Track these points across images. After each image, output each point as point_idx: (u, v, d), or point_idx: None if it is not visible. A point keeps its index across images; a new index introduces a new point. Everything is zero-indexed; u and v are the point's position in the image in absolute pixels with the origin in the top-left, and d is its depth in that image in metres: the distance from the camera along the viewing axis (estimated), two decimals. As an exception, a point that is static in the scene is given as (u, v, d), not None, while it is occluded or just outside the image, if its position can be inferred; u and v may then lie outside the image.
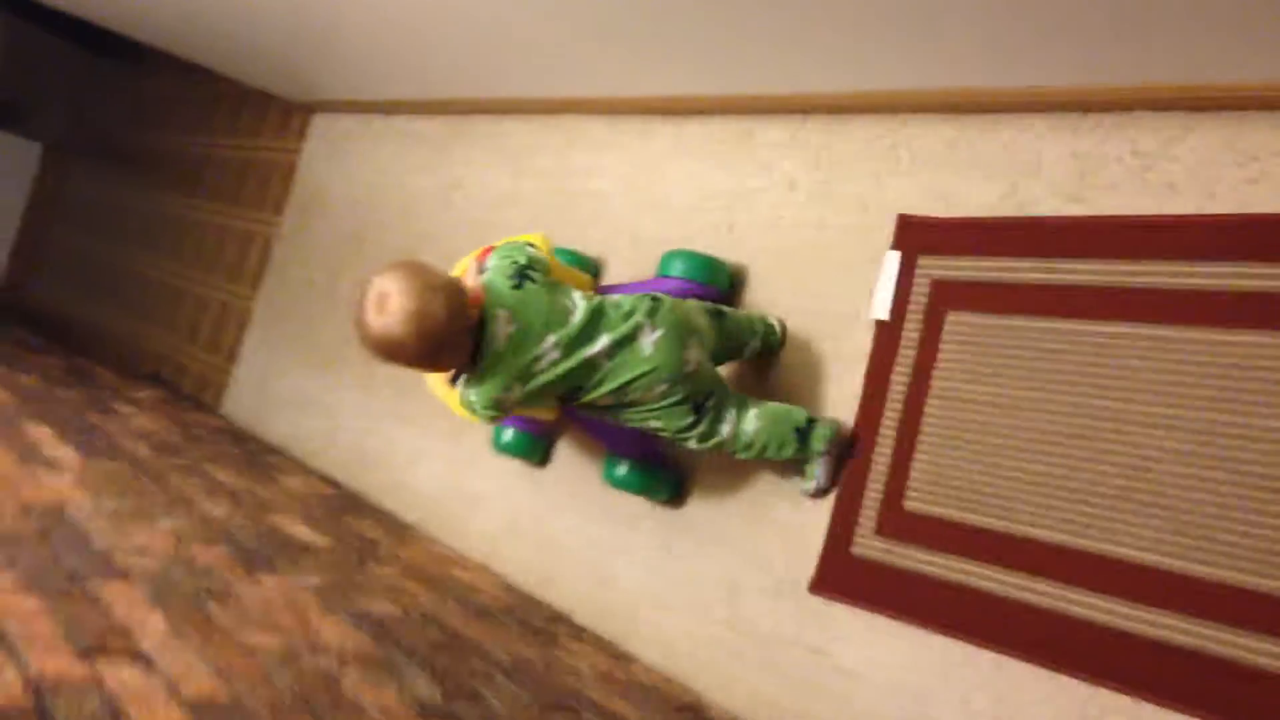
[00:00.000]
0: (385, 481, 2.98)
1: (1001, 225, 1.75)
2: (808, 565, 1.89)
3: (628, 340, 1.74)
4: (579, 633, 2.20)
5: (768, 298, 2.10)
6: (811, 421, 1.86)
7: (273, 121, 4.29)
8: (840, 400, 1.92)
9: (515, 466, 2.57)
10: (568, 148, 2.73)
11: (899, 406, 1.83)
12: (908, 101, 1.94)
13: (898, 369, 1.85)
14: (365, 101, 3.55)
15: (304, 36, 3.05)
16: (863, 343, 1.92)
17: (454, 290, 1.64)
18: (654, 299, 1.80)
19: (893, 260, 1.89)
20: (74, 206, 6.22)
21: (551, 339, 1.70)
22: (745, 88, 2.18)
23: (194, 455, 2.88)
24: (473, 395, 1.71)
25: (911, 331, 1.84)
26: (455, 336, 1.64)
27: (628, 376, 1.74)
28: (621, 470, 2.12)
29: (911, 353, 1.84)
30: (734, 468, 2.06)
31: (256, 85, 4.11)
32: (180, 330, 4.47)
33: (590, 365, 1.73)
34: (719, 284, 2.12)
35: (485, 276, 1.74)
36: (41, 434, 2.58)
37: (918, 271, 1.86)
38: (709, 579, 2.04)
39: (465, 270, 1.83)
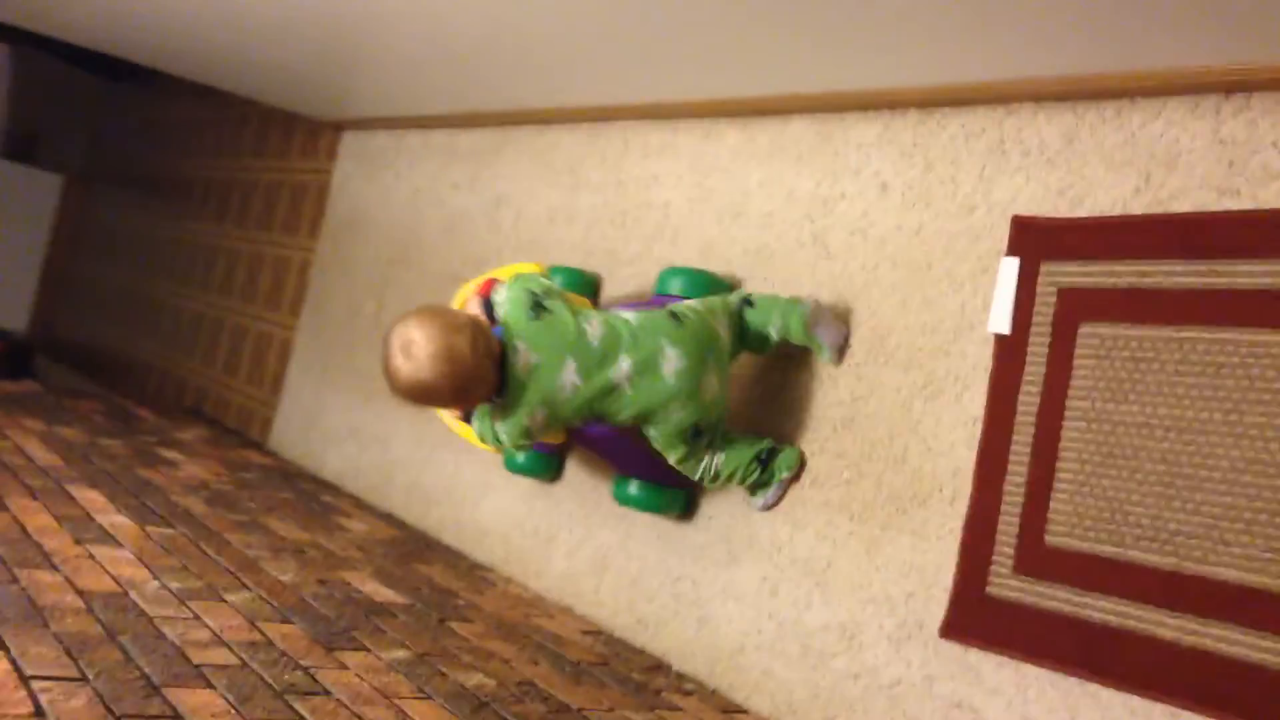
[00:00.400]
0: (449, 518, 2.83)
1: (1140, 224, 1.58)
2: (935, 607, 1.72)
3: (649, 364, 1.80)
4: (681, 683, 2.04)
5: (864, 310, 1.94)
6: (773, 450, 1.96)
7: (300, 142, 4.14)
8: (958, 424, 1.75)
9: (589, 498, 2.42)
10: (622, 156, 2.56)
11: (1030, 430, 1.66)
12: (1012, 91, 1.76)
13: (1025, 388, 1.68)
14: (398, 117, 3.40)
15: (331, 55, 2.89)
16: (979, 359, 1.75)
17: (476, 327, 1.73)
18: (675, 317, 1.84)
19: (1010, 267, 1.72)
20: (98, 237, 6.10)
21: (572, 364, 1.76)
22: (823, 86, 2.01)
23: (251, 508, 2.74)
24: (500, 427, 1.78)
25: (1038, 346, 1.67)
26: (482, 372, 1.72)
27: (647, 403, 1.81)
28: (632, 489, 2.16)
29: (1040, 370, 1.67)
30: (843, 501, 1.90)
31: (281, 106, 3.97)
32: (218, 362, 4.34)
33: (612, 389, 1.79)
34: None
35: (501, 311, 1.81)
36: (93, 500, 2.44)
37: (1041, 279, 1.69)
38: (822, 621, 1.88)
39: (465, 301, 1.95)
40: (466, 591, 2.38)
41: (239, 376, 4.16)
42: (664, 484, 2.13)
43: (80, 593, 1.80)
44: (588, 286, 2.58)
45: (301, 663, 1.68)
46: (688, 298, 2.05)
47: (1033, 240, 1.70)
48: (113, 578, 1.92)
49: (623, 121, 2.58)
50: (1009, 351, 1.71)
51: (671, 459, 1.92)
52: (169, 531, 2.33)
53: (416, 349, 1.69)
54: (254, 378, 4.05)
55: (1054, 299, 1.67)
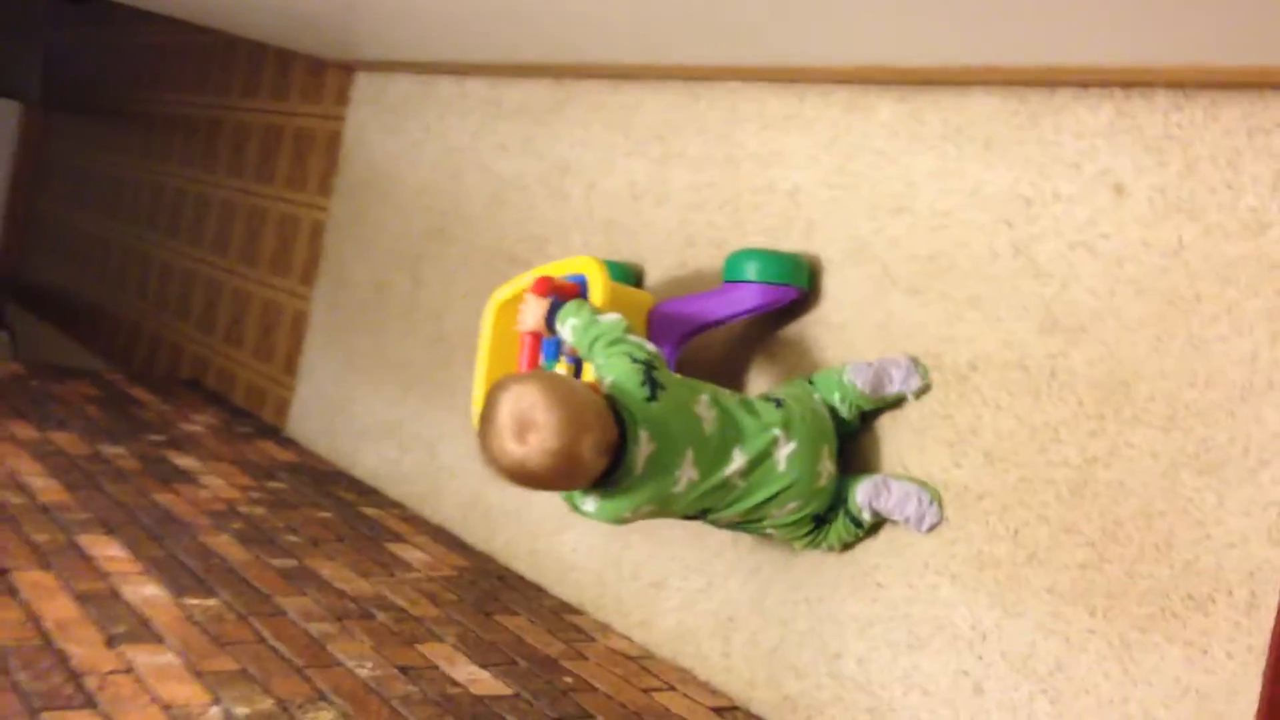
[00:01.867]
0: (523, 546, 2.44)
1: None
2: (1225, 740, 1.36)
3: (764, 457, 1.63)
4: (856, 791, 1.69)
5: (1095, 347, 1.54)
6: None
7: (300, 80, 3.65)
8: (1253, 509, 1.37)
9: (706, 542, 2.04)
10: (730, 126, 2.13)
11: (1364, 527, 1.28)
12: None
13: (1357, 472, 1.29)
14: (425, 62, 2.92)
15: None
16: (1278, 430, 1.36)
17: (604, 425, 1.49)
18: (780, 405, 1.68)
19: (1329, 312, 1.32)
20: (67, 175, 5.57)
21: (690, 455, 1.57)
22: (1023, 57, 1.58)
23: (293, 543, 2.34)
24: (594, 508, 1.58)
25: (1376, 419, 1.29)
26: (595, 471, 1.51)
27: (762, 496, 1.65)
28: None
29: (1377, 449, 1.28)
30: (1077, 590, 1.52)
31: (274, 43, 3.47)
32: (217, 330, 3.90)
33: (727, 485, 1.62)
34: (800, 283, 1.89)
35: (609, 382, 1.58)
36: (115, 560, 2.04)
37: (1380, 332, 1.29)
38: (1053, 737, 1.52)
39: (521, 299, 1.83)
40: (567, 658, 2.00)
41: (244, 349, 3.72)
42: None
43: (130, 745, 1.41)
44: (632, 280, 2.21)
45: None
46: (766, 282, 1.86)
47: (1368, 280, 1.30)
48: (164, 708, 1.53)
49: (727, 82, 2.14)
50: (1329, 422, 1.32)
51: (797, 546, 1.80)
52: (211, 604, 1.93)
53: (534, 438, 1.45)
54: (262, 352, 3.62)
55: (1400, 359, 1.28)
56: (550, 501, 2.35)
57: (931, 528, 1.69)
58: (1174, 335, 1.47)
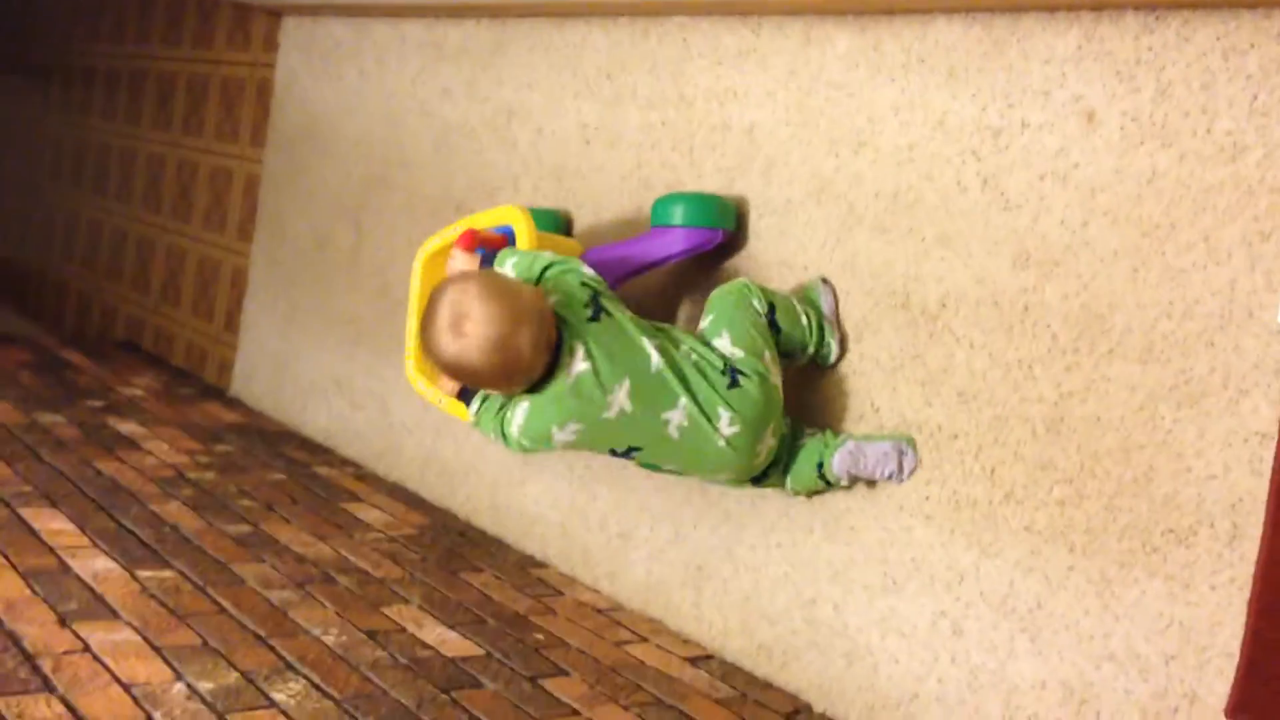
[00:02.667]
0: (483, 500, 2.40)
1: None
2: (1212, 676, 1.36)
3: (704, 417, 1.59)
4: (836, 735, 1.68)
5: (1069, 281, 1.51)
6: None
7: (224, 27, 3.51)
8: (1233, 440, 1.36)
9: (674, 490, 2.00)
10: (682, 63, 2.06)
11: (1346, 454, 1.27)
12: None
13: (1339, 399, 1.28)
14: (360, 3, 2.81)
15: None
16: (1263, 357, 1.35)
17: (542, 319, 1.51)
18: (735, 384, 1.60)
19: (1309, 238, 1.30)
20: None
21: (627, 384, 1.57)
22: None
23: (246, 507, 2.27)
24: (517, 423, 1.58)
25: (1358, 345, 1.27)
26: (535, 368, 1.53)
27: (693, 462, 1.64)
28: None
29: (1359, 375, 1.27)
30: (1056, 527, 1.51)
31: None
32: (152, 289, 3.79)
33: (662, 432, 1.59)
34: (726, 225, 1.88)
35: (555, 300, 1.57)
36: (62, 534, 1.97)
37: (1362, 256, 1.27)
38: (1034, 676, 1.51)
39: (447, 253, 1.80)
40: (536, 614, 1.97)
41: (181, 307, 3.61)
42: None
43: (94, 730, 1.35)
44: (558, 228, 2.19)
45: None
46: (693, 225, 1.84)
47: (1348, 203, 1.28)
48: (124, 688, 1.47)
49: (678, 18, 2.07)
50: (1310, 349, 1.30)
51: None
52: (167, 575, 1.86)
53: (470, 328, 1.48)
54: (201, 309, 3.51)
55: (1382, 283, 1.26)
56: (506, 454, 2.30)
57: (911, 473, 1.66)
58: (1150, 265, 1.44)
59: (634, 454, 1.64)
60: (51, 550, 1.89)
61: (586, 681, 1.73)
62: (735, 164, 1.95)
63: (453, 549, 2.24)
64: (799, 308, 1.72)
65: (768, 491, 1.85)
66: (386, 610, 1.87)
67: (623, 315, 1.61)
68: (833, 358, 1.75)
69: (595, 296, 1.60)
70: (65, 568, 1.83)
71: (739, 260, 1.92)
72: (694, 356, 1.62)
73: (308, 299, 2.98)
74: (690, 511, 1.98)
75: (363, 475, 2.65)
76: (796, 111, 1.86)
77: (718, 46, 2.00)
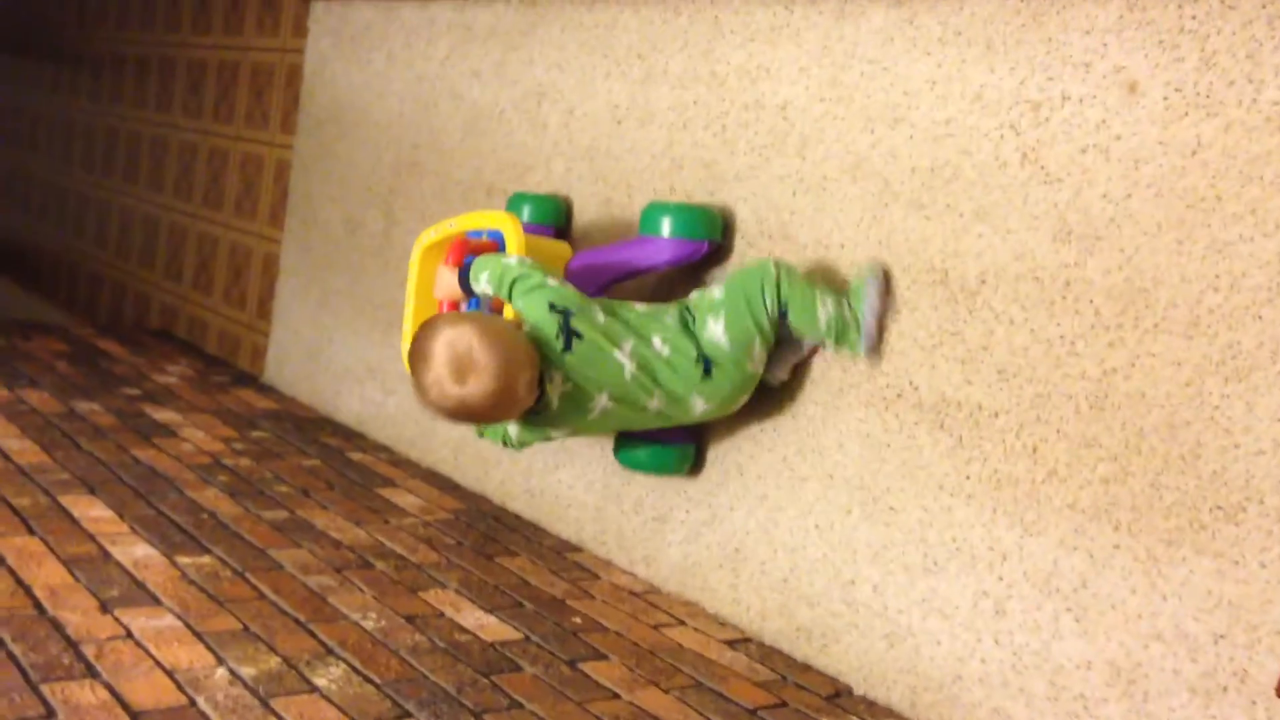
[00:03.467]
0: (518, 485, 2.39)
1: None
2: (1263, 654, 1.34)
3: (679, 399, 1.74)
4: (874, 714, 1.67)
5: (1111, 255, 1.49)
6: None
7: (254, 12, 3.51)
8: (1279, 415, 1.33)
9: (709, 472, 2.00)
10: (714, 41, 2.04)
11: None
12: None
13: (1393, 372, 1.25)
14: (387, -12, 2.80)
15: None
16: (1310, 329, 1.32)
17: (533, 364, 1.62)
18: (708, 364, 1.73)
19: (1361, 208, 1.27)
20: (14, 121, 5.39)
21: (605, 394, 1.70)
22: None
23: (283, 494, 2.28)
24: (522, 438, 1.74)
25: None
26: (528, 403, 1.65)
27: (676, 422, 1.80)
28: (640, 454, 1.95)
29: None
30: (1100, 505, 1.49)
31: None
32: (184, 277, 3.80)
33: (642, 414, 1.75)
34: (713, 237, 1.92)
35: (528, 330, 1.68)
36: (101, 521, 1.98)
37: None
38: (1080, 656, 1.50)
39: (445, 245, 1.91)
40: (573, 597, 1.97)
41: (214, 295, 3.63)
42: (669, 442, 1.94)
43: (136, 717, 1.35)
44: (558, 215, 2.24)
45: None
46: (680, 237, 1.89)
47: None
48: (167, 674, 1.47)
49: (709, -5, 2.05)
50: (1362, 322, 1.28)
51: None
52: (205, 561, 1.87)
53: (474, 379, 1.57)
54: (233, 297, 3.52)
55: None
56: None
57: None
58: (1195, 239, 1.42)
59: (623, 431, 1.86)
60: (91, 537, 1.90)
61: (626, 665, 1.72)
62: (768, 142, 1.93)
63: (488, 533, 2.24)
64: (820, 307, 1.72)
65: (806, 473, 1.84)
66: (424, 595, 1.87)
67: (594, 332, 1.69)
68: (861, 351, 1.73)
69: (566, 319, 1.68)
70: (106, 555, 1.84)
71: (774, 241, 1.90)
72: (666, 353, 1.73)
73: (339, 285, 2.98)
74: (726, 495, 1.97)
75: (397, 460, 2.65)
76: (831, 88, 1.84)
77: (750, 23, 1.98)
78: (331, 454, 2.62)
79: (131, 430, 2.56)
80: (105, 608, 1.64)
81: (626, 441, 1.96)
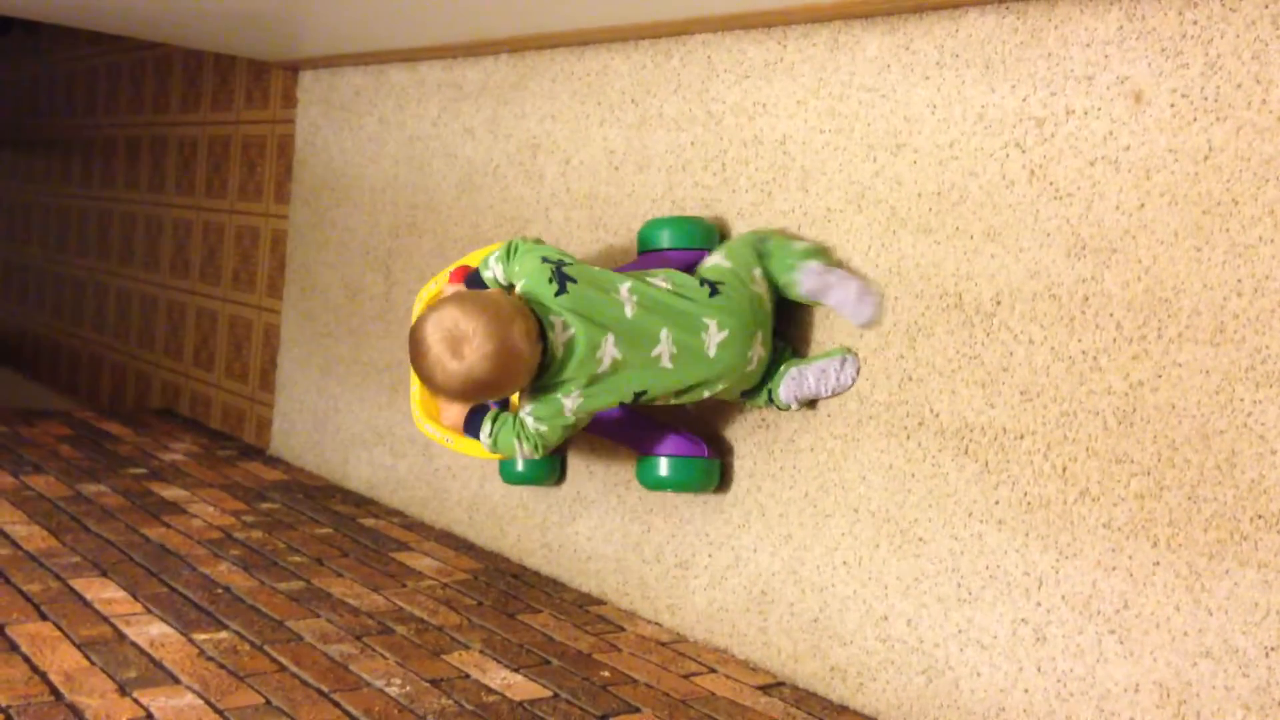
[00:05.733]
0: (534, 540, 2.35)
1: None
2: (1314, 661, 1.30)
3: (692, 341, 1.68)
4: (922, 755, 1.62)
5: (1129, 266, 1.46)
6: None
7: (243, 86, 3.52)
8: (1318, 416, 1.30)
9: (730, 512, 1.96)
10: (708, 80, 2.03)
11: None
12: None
13: None
14: (375, 51, 2.81)
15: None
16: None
17: (524, 313, 1.60)
18: (713, 286, 1.71)
19: (1382, 201, 1.25)
20: (8, 212, 5.40)
21: (611, 338, 1.65)
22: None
23: (297, 564, 2.24)
24: (538, 414, 1.66)
25: None
26: (534, 360, 1.61)
27: (691, 380, 1.71)
28: (662, 470, 1.91)
29: None
30: (1137, 522, 1.45)
31: (213, 49, 3.34)
32: (185, 354, 3.78)
33: (655, 366, 1.68)
34: (711, 246, 1.90)
35: (521, 286, 1.67)
36: (114, 602, 1.94)
37: None
38: (1127, 679, 1.45)
39: (438, 295, 1.83)
40: (599, 651, 1.92)
41: (216, 370, 3.60)
42: (694, 455, 1.90)
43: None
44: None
45: None
46: (681, 249, 1.89)
47: None
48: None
49: (700, 35, 2.05)
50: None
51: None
52: (223, 636, 1.83)
53: (469, 348, 1.56)
54: (235, 370, 3.50)
55: None
56: (556, 492, 2.27)
57: (853, 379, 1.75)
58: (1213, 244, 1.40)
59: (641, 398, 1.71)
60: (105, 619, 1.85)
61: (659, 717, 1.68)
62: (770, 177, 1.92)
63: (508, 591, 2.19)
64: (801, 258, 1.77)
65: (829, 508, 1.80)
66: (448, 657, 1.83)
67: (588, 276, 1.68)
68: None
69: (558, 268, 1.66)
70: (121, 636, 1.79)
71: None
72: (668, 285, 1.71)
73: (342, 351, 2.95)
74: (749, 536, 1.93)
75: (410, 524, 2.61)
76: (829, 119, 1.83)
77: (743, 60, 1.97)
78: (343, 521, 2.59)
79: (140, 509, 2.52)
80: (124, 690, 1.60)
81: (645, 461, 1.93)
